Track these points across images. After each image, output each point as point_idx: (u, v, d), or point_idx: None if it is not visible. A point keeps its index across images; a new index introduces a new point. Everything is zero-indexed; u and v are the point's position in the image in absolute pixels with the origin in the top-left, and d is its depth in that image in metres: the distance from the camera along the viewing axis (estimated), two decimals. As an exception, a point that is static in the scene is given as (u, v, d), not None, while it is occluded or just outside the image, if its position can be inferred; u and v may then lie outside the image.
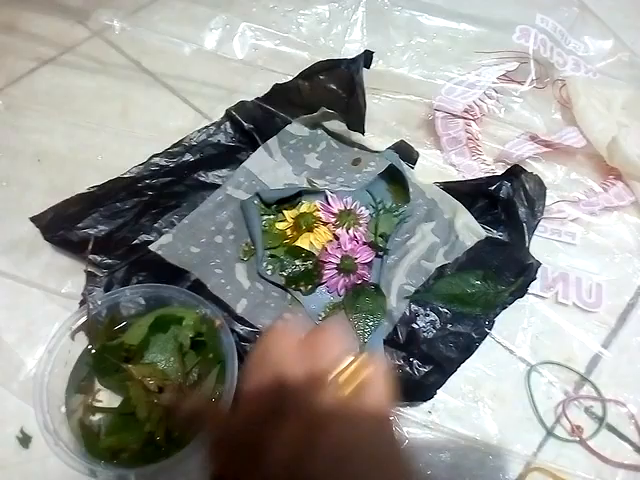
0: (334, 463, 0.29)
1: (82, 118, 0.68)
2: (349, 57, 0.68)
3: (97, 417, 0.47)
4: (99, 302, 0.48)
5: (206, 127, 0.65)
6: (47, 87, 0.71)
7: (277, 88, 0.68)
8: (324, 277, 0.55)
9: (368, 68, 0.68)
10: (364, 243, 0.58)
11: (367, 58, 0.68)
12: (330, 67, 0.68)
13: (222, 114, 0.66)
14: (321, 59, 0.70)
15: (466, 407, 0.52)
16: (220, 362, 0.47)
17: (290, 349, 0.33)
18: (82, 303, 0.52)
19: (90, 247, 0.52)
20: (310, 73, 0.68)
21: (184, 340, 0.47)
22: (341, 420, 0.31)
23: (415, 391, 0.51)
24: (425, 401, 0.51)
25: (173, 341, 0.47)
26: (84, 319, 0.48)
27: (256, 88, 0.69)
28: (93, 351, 0.48)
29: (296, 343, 0.34)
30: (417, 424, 0.51)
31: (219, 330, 0.48)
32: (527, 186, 0.60)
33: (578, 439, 0.50)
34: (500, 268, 0.57)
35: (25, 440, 0.48)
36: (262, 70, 0.74)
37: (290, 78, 0.69)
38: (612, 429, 0.51)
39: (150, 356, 0.46)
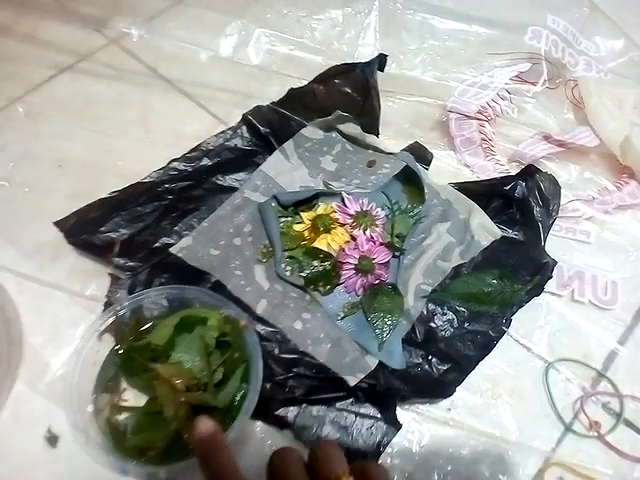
0: None
1: (101, 124, 0.69)
2: (363, 61, 0.69)
3: (123, 416, 0.47)
4: (126, 303, 0.49)
5: (223, 132, 0.66)
6: (66, 94, 0.72)
7: (292, 92, 0.69)
8: (342, 277, 0.56)
9: (382, 71, 0.69)
10: (381, 244, 0.58)
11: (381, 61, 0.69)
12: (345, 71, 0.69)
13: (238, 119, 0.67)
14: (335, 63, 0.71)
15: (485, 404, 0.52)
16: (245, 362, 0.48)
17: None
18: (107, 305, 0.53)
19: (116, 250, 0.53)
20: (325, 77, 0.69)
21: (209, 340, 0.47)
22: None
23: (434, 389, 0.51)
24: (444, 398, 0.52)
25: (198, 341, 0.47)
26: (111, 320, 0.49)
27: (271, 92, 0.70)
28: (120, 351, 0.49)
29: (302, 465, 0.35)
30: (437, 421, 0.51)
31: (243, 330, 0.49)
32: (542, 185, 0.61)
33: (596, 434, 0.51)
34: (516, 267, 0.58)
35: (52, 440, 0.49)
36: (277, 75, 0.75)
37: (304, 82, 0.70)
38: (630, 424, 0.52)
39: (176, 356, 0.47)
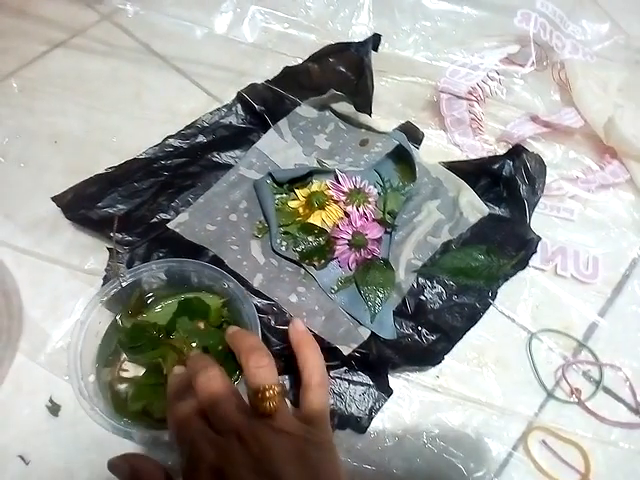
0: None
1: (96, 101, 0.69)
2: (357, 40, 0.70)
3: (124, 385, 0.49)
4: (127, 276, 0.50)
5: (218, 109, 0.66)
6: (60, 70, 0.72)
7: (287, 71, 0.69)
8: (336, 252, 0.58)
9: (376, 51, 0.70)
10: (373, 220, 0.60)
11: (375, 41, 0.70)
12: (340, 50, 0.69)
13: (233, 96, 0.67)
14: (329, 42, 0.71)
15: (471, 372, 0.55)
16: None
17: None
18: (105, 279, 0.54)
19: (115, 225, 0.54)
20: (320, 56, 0.70)
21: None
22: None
23: (424, 357, 0.54)
24: (433, 366, 0.54)
25: (197, 329, 0.50)
26: (113, 292, 0.50)
27: (266, 71, 0.70)
28: (122, 325, 0.50)
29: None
30: (426, 388, 0.54)
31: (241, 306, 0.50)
32: (528, 165, 0.63)
33: (577, 401, 0.54)
34: (502, 243, 0.60)
35: (54, 409, 0.51)
36: (271, 53, 0.75)
37: (299, 61, 0.71)
38: (608, 391, 0.55)
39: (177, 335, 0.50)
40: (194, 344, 0.49)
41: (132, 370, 0.50)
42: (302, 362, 0.45)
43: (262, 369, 0.41)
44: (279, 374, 0.42)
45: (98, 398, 0.47)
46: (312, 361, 0.45)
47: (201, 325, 0.50)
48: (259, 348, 0.43)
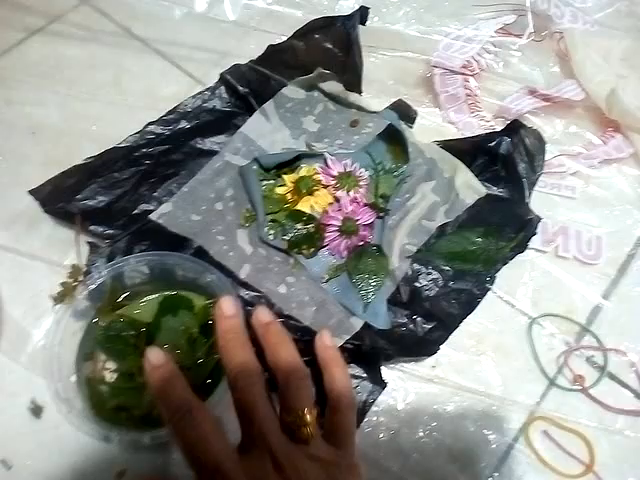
0: None
1: (75, 88, 0.67)
2: (344, 14, 0.67)
3: (105, 383, 0.47)
4: (104, 271, 0.48)
5: (200, 93, 0.64)
6: (37, 58, 0.70)
7: (271, 49, 0.66)
8: (326, 240, 0.56)
9: (364, 25, 0.67)
10: (365, 204, 0.58)
11: (363, 14, 0.67)
12: (325, 25, 0.66)
13: (216, 79, 0.64)
14: (315, 17, 0.68)
15: (469, 361, 0.53)
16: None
17: None
18: (86, 274, 0.52)
19: (78, 223, 0.52)
20: (305, 32, 0.66)
21: (193, 331, 0.48)
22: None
23: (419, 347, 0.52)
24: (429, 356, 0.52)
25: (183, 329, 0.48)
26: (90, 289, 0.48)
27: (250, 50, 0.67)
28: (101, 323, 0.48)
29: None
30: (422, 379, 0.52)
31: None
32: (526, 141, 0.60)
33: (580, 388, 0.52)
34: (501, 224, 0.57)
35: (37, 410, 0.49)
36: (255, 31, 0.72)
37: (284, 38, 0.68)
38: (613, 377, 0.53)
39: (160, 338, 0.47)
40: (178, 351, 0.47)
41: (114, 367, 0.48)
42: (330, 382, 0.42)
43: (302, 390, 0.39)
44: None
45: (78, 397, 0.46)
46: (341, 381, 0.42)
47: (187, 323, 0.48)
48: (298, 367, 0.41)
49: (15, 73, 0.68)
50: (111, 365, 0.48)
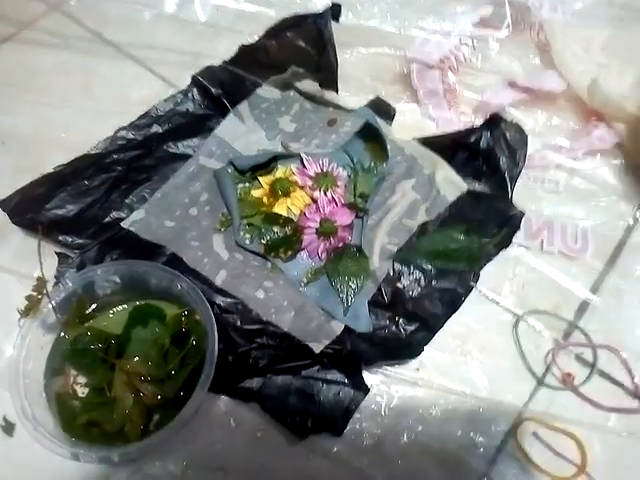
0: None
1: (45, 96, 0.66)
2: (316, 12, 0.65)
3: (75, 398, 0.46)
4: (69, 283, 0.46)
5: (173, 96, 0.62)
6: (7, 66, 0.69)
7: (244, 49, 0.65)
8: (304, 242, 0.54)
9: (337, 22, 0.65)
10: (343, 205, 0.56)
11: (335, 11, 0.66)
12: (297, 23, 0.65)
13: (189, 81, 0.63)
14: (288, 16, 0.67)
15: (454, 362, 0.51)
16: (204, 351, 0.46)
17: None
18: (56, 285, 0.50)
19: (40, 232, 0.50)
20: (276, 31, 0.65)
21: (164, 342, 0.46)
22: None
23: (402, 350, 0.50)
24: (413, 358, 0.50)
25: (153, 339, 0.46)
26: (56, 301, 0.46)
27: (222, 51, 0.66)
28: (67, 337, 0.46)
29: None
30: (406, 382, 0.50)
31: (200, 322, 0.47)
32: (507, 135, 0.59)
33: (570, 387, 0.50)
34: (483, 221, 0.56)
35: (8, 428, 0.47)
36: (227, 32, 0.71)
37: (257, 38, 0.67)
38: (603, 374, 0.51)
39: (132, 350, 0.46)
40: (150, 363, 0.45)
41: (84, 382, 0.47)
42: None
43: None
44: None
45: (48, 413, 0.44)
46: None
47: (158, 334, 0.46)
48: None
49: (-15, 82, 0.66)
50: (82, 379, 0.47)
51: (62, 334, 0.47)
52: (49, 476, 0.45)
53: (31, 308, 0.46)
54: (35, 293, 0.46)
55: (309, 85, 0.63)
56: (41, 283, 0.46)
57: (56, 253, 0.53)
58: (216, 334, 0.44)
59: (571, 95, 0.65)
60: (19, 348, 0.44)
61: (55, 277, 0.51)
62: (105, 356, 0.45)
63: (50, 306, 0.46)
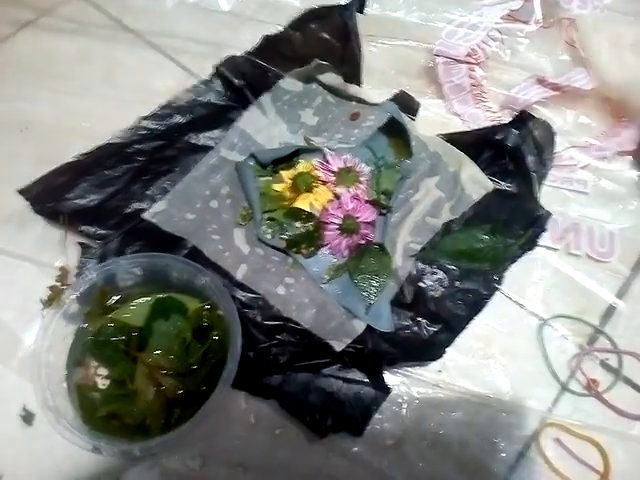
0: None
1: (66, 83, 0.65)
2: (341, 3, 0.64)
3: (96, 389, 0.46)
4: (94, 274, 0.46)
5: (195, 86, 0.62)
6: (28, 52, 0.68)
7: (267, 40, 0.64)
8: (326, 238, 0.54)
9: (362, 13, 0.64)
10: (366, 201, 0.55)
11: (361, 3, 0.65)
12: (322, 15, 0.64)
13: (210, 71, 0.63)
14: (312, 6, 0.66)
15: (477, 364, 0.51)
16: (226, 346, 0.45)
17: None
18: (79, 276, 0.50)
19: (64, 223, 0.50)
20: (301, 22, 0.65)
21: (186, 336, 0.46)
22: None
23: (424, 351, 0.50)
24: (435, 360, 0.50)
25: (175, 333, 0.46)
26: (79, 292, 0.46)
27: (245, 41, 0.65)
28: (90, 328, 0.46)
29: None
30: (427, 384, 0.50)
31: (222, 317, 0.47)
32: (535, 133, 0.58)
33: (594, 393, 0.49)
34: (509, 221, 0.55)
35: (28, 417, 0.47)
36: (250, 21, 0.70)
37: (281, 29, 0.66)
38: (628, 381, 0.50)
39: (154, 344, 0.46)
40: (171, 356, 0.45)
41: (105, 373, 0.47)
42: None
43: None
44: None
45: (68, 405, 0.44)
46: None
47: (179, 327, 0.46)
48: None
49: (5, 68, 0.66)
50: (103, 371, 0.47)
51: (84, 325, 0.47)
52: (68, 467, 0.45)
53: (54, 298, 0.46)
54: (59, 284, 0.46)
55: (332, 78, 0.62)
56: (64, 273, 0.46)
57: (79, 243, 0.52)
58: (240, 330, 0.44)
59: (601, 93, 0.64)
60: (42, 339, 0.44)
61: (77, 268, 0.51)
62: (127, 348, 0.45)
63: (73, 297, 0.46)
